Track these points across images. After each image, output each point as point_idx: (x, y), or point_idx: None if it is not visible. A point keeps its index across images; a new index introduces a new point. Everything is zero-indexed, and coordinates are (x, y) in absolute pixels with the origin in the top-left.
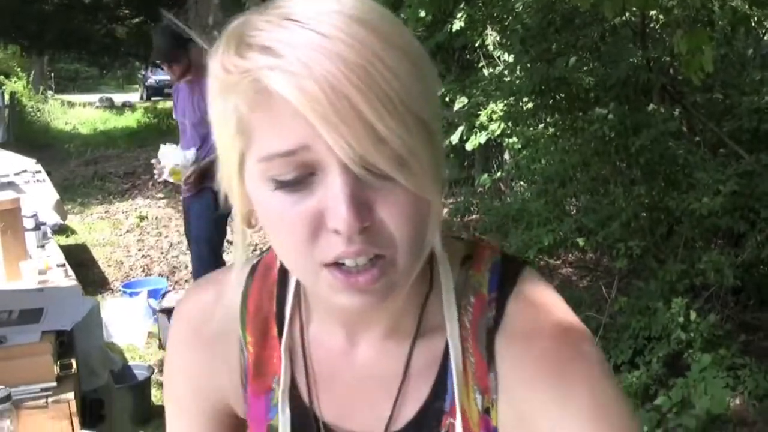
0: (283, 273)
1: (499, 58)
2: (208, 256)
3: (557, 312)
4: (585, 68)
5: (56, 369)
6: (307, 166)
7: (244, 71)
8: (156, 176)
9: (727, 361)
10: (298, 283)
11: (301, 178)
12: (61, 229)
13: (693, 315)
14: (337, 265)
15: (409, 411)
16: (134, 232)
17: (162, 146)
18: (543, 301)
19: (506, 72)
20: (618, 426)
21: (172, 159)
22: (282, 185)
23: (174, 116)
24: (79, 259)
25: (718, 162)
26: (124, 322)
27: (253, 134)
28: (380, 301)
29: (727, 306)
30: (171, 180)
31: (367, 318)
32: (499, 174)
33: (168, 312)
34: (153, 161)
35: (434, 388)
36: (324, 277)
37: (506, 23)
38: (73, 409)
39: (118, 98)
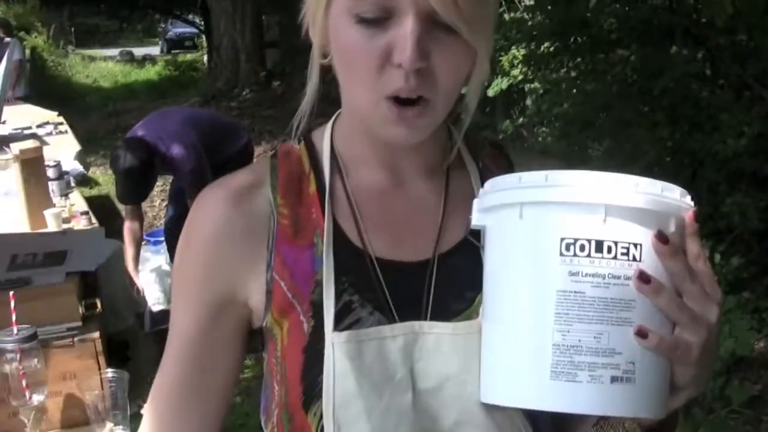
0: (309, 144)
1: (519, 1)
2: None
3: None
4: (606, 9)
5: (81, 309)
6: (386, 10)
7: None
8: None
9: (752, 303)
10: (331, 142)
11: (380, 18)
12: (84, 180)
13: (717, 258)
14: (394, 99)
15: (454, 236)
16: (158, 182)
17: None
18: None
19: (527, 15)
20: None
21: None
22: (363, 21)
23: None
24: (103, 209)
25: (742, 104)
26: (148, 270)
27: None
28: (419, 137)
29: (751, 249)
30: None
31: (404, 157)
32: (521, 120)
33: None
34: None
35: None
36: (381, 108)
37: None
38: (99, 348)
39: (139, 52)
